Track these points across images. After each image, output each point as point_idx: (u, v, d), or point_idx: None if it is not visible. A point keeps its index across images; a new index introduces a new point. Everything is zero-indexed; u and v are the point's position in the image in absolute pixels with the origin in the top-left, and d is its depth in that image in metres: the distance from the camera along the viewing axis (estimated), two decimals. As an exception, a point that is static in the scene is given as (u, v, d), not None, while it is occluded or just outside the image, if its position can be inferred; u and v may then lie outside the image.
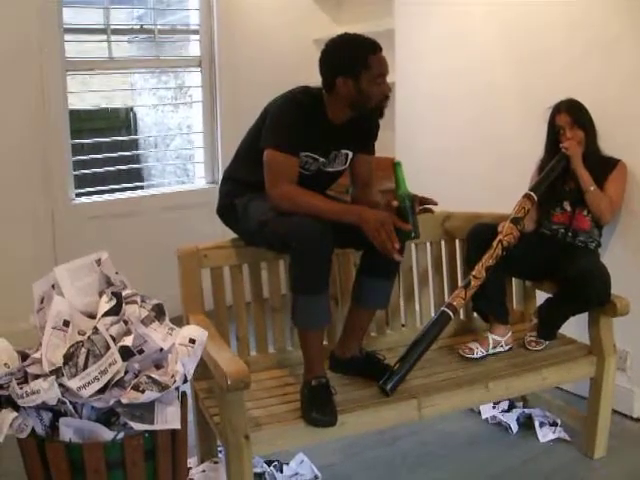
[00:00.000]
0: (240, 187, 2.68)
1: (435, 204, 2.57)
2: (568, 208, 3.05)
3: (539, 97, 3.26)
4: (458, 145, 3.94)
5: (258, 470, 2.71)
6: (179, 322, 2.34)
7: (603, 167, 3.04)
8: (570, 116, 3.01)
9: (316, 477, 2.79)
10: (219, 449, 2.76)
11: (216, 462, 2.72)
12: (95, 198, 4.39)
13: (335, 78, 2.52)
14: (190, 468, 2.68)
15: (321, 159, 2.61)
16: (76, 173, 4.28)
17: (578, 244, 3.03)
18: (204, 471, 2.69)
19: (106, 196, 4.45)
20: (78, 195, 4.30)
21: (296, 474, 2.77)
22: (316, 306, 2.46)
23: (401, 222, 2.43)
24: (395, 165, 2.55)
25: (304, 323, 2.51)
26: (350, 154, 2.70)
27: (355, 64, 2.50)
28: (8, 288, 3.75)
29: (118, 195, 4.51)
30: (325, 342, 2.82)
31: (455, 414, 3.17)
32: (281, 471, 2.76)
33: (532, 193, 2.93)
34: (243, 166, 2.69)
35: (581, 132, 3.01)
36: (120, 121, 7.38)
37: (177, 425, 1.99)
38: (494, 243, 2.81)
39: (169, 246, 2.79)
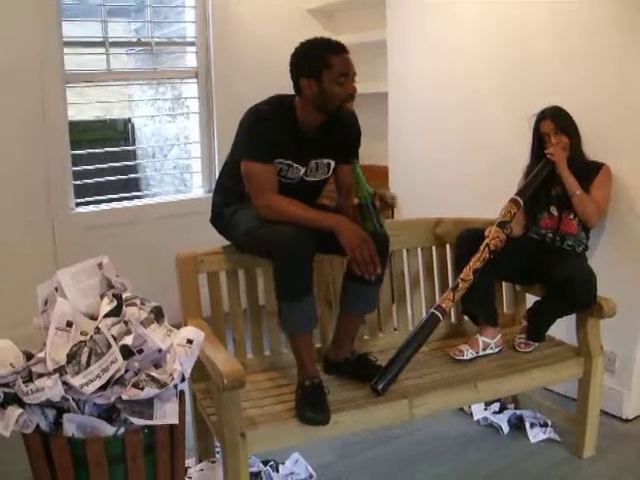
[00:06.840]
0: (228, 196, 2.74)
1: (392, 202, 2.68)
2: (555, 212, 3.11)
3: (528, 105, 3.30)
4: (449, 152, 4.00)
5: (254, 469, 2.76)
6: (178, 329, 2.39)
7: (588, 171, 3.09)
8: (554, 123, 3.07)
9: (311, 476, 2.84)
10: (217, 449, 2.81)
11: (213, 462, 2.78)
12: (95, 208, 4.45)
13: (299, 80, 2.57)
14: (189, 467, 2.75)
15: (296, 165, 2.63)
16: (76, 183, 4.34)
17: (566, 248, 3.08)
18: (202, 470, 2.74)
19: (105, 205, 4.51)
20: (78, 205, 4.36)
21: (291, 473, 2.83)
22: (300, 311, 2.50)
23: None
24: (352, 164, 2.68)
25: (291, 328, 2.56)
26: (332, 163, 2.73)
27: (316, 64, 2.53)
28: (10, 295, 3.80)
29: (117, 204, 4.56)
30: (319, 344, 2.89)
31: (447, 415, 3.23)
32: (277, 470, 2.82)
33: (518, 197, 2.99)
34: (230, 176, 2.72)
35: (565, 138, 3.08)
36: (118, 132, 7.46)
37: (175, 420, 2.05)
38: (481, 247, 2.87)
39: (167, 255, 2.83)
